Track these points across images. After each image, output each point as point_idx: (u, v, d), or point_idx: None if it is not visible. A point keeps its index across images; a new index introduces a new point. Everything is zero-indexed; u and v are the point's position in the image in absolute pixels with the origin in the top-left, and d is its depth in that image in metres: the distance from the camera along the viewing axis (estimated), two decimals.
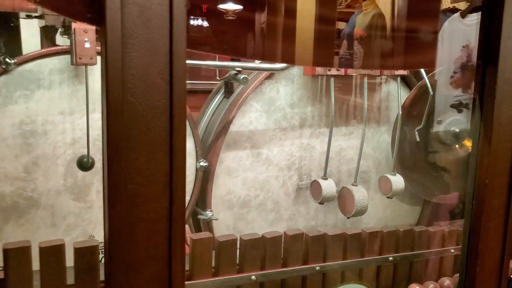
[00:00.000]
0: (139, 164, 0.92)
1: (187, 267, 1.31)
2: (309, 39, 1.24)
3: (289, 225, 1.83)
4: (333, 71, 1.66)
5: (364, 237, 1.55)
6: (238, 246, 1.38)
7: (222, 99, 1.77)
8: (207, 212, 1.63)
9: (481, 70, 1.36)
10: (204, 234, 1.31)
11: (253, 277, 1.36)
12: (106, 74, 0.83)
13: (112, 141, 0.86)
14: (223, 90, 1.76)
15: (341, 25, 1.49)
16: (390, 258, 1.61)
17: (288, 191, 1.81)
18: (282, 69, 1.62)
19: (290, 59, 1.30)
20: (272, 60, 1.53)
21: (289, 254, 1.43)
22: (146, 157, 0.92)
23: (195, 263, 1.30)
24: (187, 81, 1.91)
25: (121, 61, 0.87)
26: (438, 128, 1.93)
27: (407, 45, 1.45)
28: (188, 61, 1.38)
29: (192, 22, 1.12)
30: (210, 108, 1.79)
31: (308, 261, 1.46)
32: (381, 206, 2.01)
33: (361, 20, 1.45)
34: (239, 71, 1.54)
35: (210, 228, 1.67)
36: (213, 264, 1.35)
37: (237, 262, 1.37)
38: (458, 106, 1.73)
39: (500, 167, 1.34)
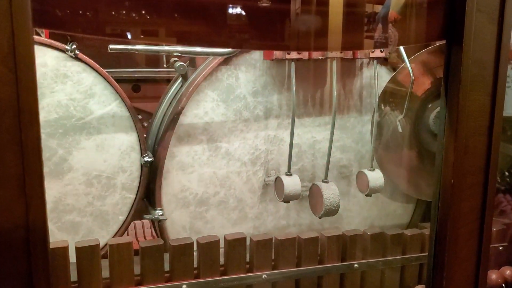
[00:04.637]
0: None
1: (106, 275, 1.19)
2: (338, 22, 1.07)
3: (256, 224, 1.68)
4: (293, 55, 1.48)
5: (323, 242, 1.38)
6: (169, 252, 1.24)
7: (180, 88, 1.63)
8: (156, 211, 1.50)
9: (447, 50, 1.16)
10: (123, 239, 1.18)
11: (184, 286, 1.23)
12: None
13: None
14: (181, 78, 1.61)
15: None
16: (356, 265, 1.43)
17: (253, 187, 1.65)
18: (228, 54, 1.45)
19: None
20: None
21: (230, 260, 1.28)
22: None
23: (113, 270, 1.18)
24: (151, 69, 1.78)
25: None
26: (427, 117, 1.71)
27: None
28: (112, 46, 1.24)
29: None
30: (167, 98, 1.65)
31: (253, 268, 1.31)
32: (366, 204, 1.82)
33: (395, 2, 1.34)
34: (189, 57, 1.39)
35: (162, 229, 1.54)
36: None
37: (167, 270, 1.24)
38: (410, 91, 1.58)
39: (471, 164, 1.14)
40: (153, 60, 1.92)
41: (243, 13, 1.00)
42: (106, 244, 1.46)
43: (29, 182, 0.81)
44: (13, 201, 0.80)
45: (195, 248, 1.31)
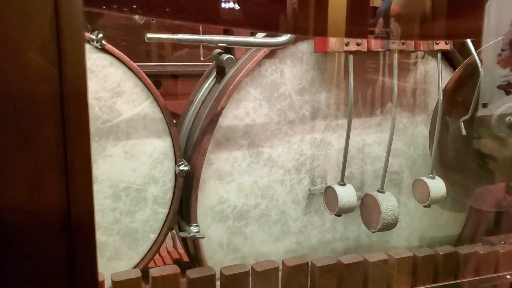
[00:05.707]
0: (15, 194, 0.57)
1: None
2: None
3: (299, 239, 1.48)
4: (352, 46, 1.28)
5: (392, 264, 1.19)
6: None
7: (214, 84, 1.42)
8: (191, 227, 1.30)
9: None
10: (168, 269, 0.98)
11: None
12: None
13: None
14: (215, 73, 1.41)
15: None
16: None
17: (297, 198, 1.45)
18: (282, 45, 1.25)
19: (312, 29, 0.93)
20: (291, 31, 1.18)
21: None
22: (26, 184, 0.57)
23: None
24: (175, 63, 1.56)
25: None
26: (489, 118, 1.52)
27: (448, 19, 1.11)
28: (150, 35, 1.03)
29: None
30: (199, 96, 1.44)
31: None
32: (417, 214, 1.63)
33: None
34: (226, 48, 1.18)
35: (196, 247, 1.34)
36: None
37: None
38: (506, 88, 1.43)
39: None
40: (177, 52, 1.72)
41: None
42: (135, 266, 1.26)
43: (76, 216, 0.60)
44: (55, 241, 0.60)
45: None
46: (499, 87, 1.50)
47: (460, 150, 1.54)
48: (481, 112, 1.53)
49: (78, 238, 0.61)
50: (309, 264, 1.09)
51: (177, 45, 1.74)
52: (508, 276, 1.33)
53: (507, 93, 1.50)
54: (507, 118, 1.51)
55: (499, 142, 1.55)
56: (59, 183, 0.58)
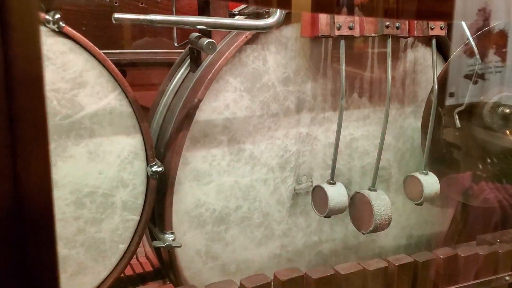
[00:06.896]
0: None
1: None
2: None
3: (284, 243, 1.36)
4: (344, 30, 1.15)
5: (392, 271, 1.08)
6: None
7: (188, 73, 1.27)
8: (165, 235, 1.15)
9: None
10: None
11: None
12: None
13: None
14: (189, 60, 1.26)
15: None
16: None
17: (281, 198, 1.32)
18: (270, 27, 1.11)
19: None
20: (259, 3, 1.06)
21: None
22: None
23: None
24: (143, 50, 1.39)
25: None
26: (482, 109, 1.44)
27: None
28: (117, 15, 0.88)
29: None
30: (171, 87, 1.29)
31: None
32: (405, 211, 1.54)
33: None
34: (202, 32, 1.03)
35: (171, 256, 1.19)
36: None
37: None
38: (472, 77, 1.35)
39: None
40: (143, 38, 1.55)
41: None
42: (103, 281, 1.11)
43: (32, 244, 0.45)
44: (6, 279, 0.45)
45: None
46: (466, 76, 1.41)
47: (454, 144, 1.45)
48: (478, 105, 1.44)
49: (37, 272, 0.46)
50: (304, 276, 0.97)
51: (143, 30, 1.58)
52: (507, 278, 1.25)
53: (474, 82, 1.42)
54: (500, 109, 1.43)
55: (492, 135, 1.47)
56: (7, 205, 0.43)
